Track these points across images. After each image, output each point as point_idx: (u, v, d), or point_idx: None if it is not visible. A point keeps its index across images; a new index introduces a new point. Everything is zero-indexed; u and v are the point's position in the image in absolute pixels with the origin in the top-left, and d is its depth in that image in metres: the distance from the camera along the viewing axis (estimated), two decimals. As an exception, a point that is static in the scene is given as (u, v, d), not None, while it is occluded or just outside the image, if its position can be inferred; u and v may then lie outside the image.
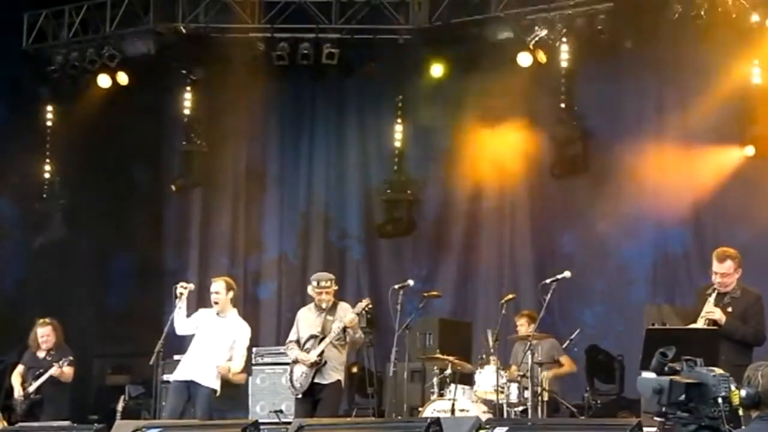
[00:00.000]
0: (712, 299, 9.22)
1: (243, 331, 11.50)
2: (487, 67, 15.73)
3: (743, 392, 6.03)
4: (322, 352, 11.04)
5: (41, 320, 12.73)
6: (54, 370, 12.31)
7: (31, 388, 12.37)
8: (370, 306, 11.78)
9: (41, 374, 12.38)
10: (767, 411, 5.98)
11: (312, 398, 11.08)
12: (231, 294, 11.47)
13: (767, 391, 5.97)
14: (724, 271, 9.27)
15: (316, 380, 11.05)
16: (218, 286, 11.46)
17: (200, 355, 11.40)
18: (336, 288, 11.39)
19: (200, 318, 11.49)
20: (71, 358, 12.44)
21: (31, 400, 12.39)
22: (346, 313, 11.13)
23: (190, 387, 11.32)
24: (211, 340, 11.38)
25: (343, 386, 11.35)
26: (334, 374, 11.08)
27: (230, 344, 11.36)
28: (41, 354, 12.58)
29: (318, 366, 11.03)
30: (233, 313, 11.54)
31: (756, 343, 9.28)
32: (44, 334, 12.59)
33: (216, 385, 11.32)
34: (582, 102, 15.49)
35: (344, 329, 11.08)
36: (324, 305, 11.23)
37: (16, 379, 12.60)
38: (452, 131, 16.90)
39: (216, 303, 11.40)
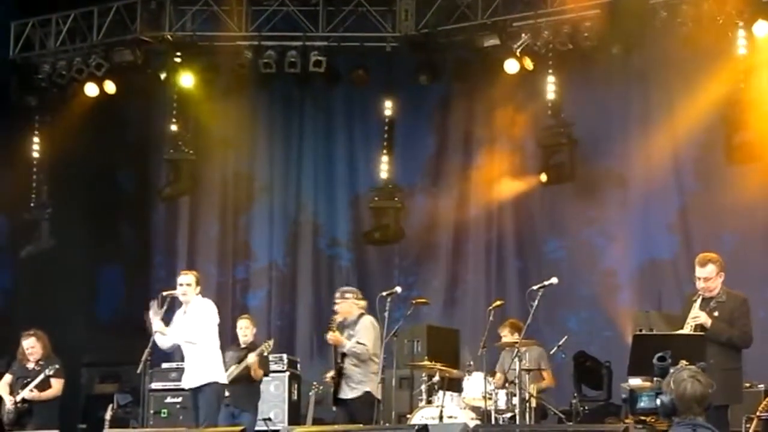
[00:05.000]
0: (697, 304, 9.25)
1: (199, 308, 11.48)
2: (474, 74, 15.81)
3: (658, 401, 5.98)
4: (340, 368, 11.17)
5: (25, 332, 12.68)
6: (27, 393, 12.22)
7: (19, 397, 12.32)
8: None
9: (29, 383, 12.32)
10: (684, 417, 5.92)
11: (347, 408, 11.24)
12: (198, 288, 11.53)
13: (681, 397, 5.91)
14: (706, 275, 9.29)
15: (340, 395, 11.22)
16: (189, 279, 11.52)
17: (185, 361, 11.56)
18: (349, 300, 11.40)
19: (174, 326, 11.51)
20: (57, 366, 12.39)
21: (18, 410, 12.32)
22: (361, 329, 11.24)
23: (194, 393, 11.45)
24: (183, 340, 11.46)
25: (374, 396, 11.25)
26: (360, 387, 11.15)
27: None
28: (30, 365, 12.52)
29: (336, 381, 11.19)
30: (194, 300, 11.51)
31: (743, 345, 9.29)
32: (29, 345, 12.52)
33: (211, 378, 11.37)
34: (569, 109, 15.50)
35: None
36: (339, 318, 11.38)
37: (3, 388, 12.52)
38: (439, 138, 16.96)
39: (184, 295, 11.43)
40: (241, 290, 17.76)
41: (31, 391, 12.24)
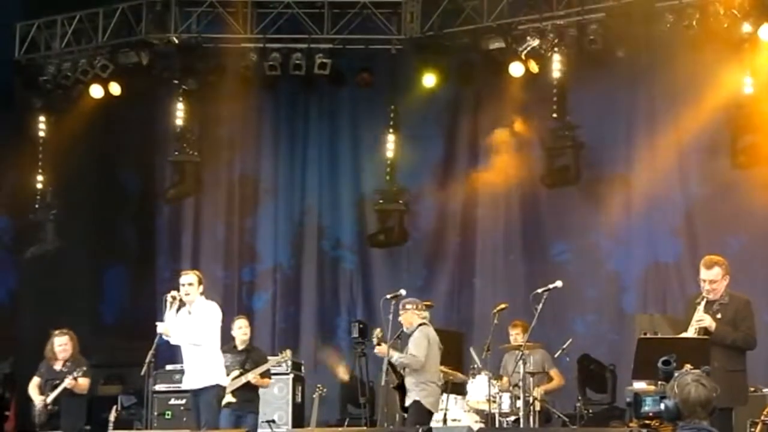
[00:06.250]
0: (701, 307, 9.22)
1: (204, 309, 11.40)
2: (479, 77, 15.80)
3: (663, 406, 5.97)
4: (401, 376, 11.28)
5: (58, 330, 12.62)
6: (68, 382, 12.21)
7: (49, 399, 12.30)
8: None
9: (58, 385, 12.31)
10: (689, 421, 5.90)
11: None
12: (201, 288, 11.42)
13: (685, 401, 5.88)
14: (712, 278, 9.27)
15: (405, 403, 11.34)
16: (191, 278, 11.40)
17: (186, 362, 11.51)
18: (409, 311, 11.44)
19: (178, 326, 11.47)
20: (85, 368, 12.38)
21: (48, 411, 12.31)
22: (412, 339, 11.31)
23: (194, 395, 11.43)
24: (188, 342, 11.42)
25: (424, 405, 11.31)
26: (410, 396, 11.26)
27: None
28: (57, 366, 12.47)
29: (398, 388, 11.34)
30: (199, 301, 11.41)
31: (747, 347, 9.28)
32: (62, 343, 12.49)
33: (213, 380, 11.33)
34: (574, 112, 15.49)
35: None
36: (403, 329, 11.45)
37: (33, 390, 12.48)
38: (444, 141, 16.95)
39: (187, 294, 11.34)
40: (247, 293, 17.74)
41: (72, 380, 12.20)
